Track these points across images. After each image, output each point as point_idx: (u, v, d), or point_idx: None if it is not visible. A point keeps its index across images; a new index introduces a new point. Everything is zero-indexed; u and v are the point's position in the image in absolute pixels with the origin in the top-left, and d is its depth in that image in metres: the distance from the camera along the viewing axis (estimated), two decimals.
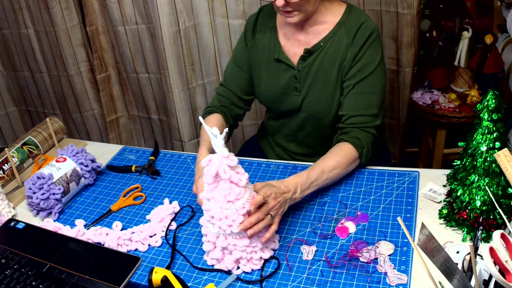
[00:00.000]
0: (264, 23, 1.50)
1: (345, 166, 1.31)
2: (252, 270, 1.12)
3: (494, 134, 1.06)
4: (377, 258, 1.10)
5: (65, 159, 1.42)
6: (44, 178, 1.34)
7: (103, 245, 1.23)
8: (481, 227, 0.98)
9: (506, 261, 0.74)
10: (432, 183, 1.31)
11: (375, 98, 1.39)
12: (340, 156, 1.31)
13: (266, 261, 1.14)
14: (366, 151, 1.35)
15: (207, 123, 1.46)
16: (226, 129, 1.08)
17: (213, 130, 1.04)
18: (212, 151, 1.31)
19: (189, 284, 1.09)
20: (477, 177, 1.09)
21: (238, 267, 1.13)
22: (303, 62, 1.43)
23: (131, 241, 1.24)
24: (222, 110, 1.54)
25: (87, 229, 1.29)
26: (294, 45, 1.45)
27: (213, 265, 1.15)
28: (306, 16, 1.36)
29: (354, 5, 1.43)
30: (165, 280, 1.03)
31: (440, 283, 0.88)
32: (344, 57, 1.39)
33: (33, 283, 1.05)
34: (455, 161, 1.17)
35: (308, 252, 1.15)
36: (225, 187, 1.06)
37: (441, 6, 2.46)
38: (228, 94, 1.57)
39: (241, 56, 1.55)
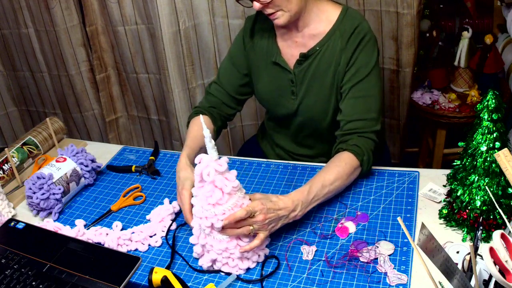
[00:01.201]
0: (262, 24, 1.49)
1: (346, 177, 1.27)
2: (230, 272, 1.12)
3: (494, 134, 1.06)
4: (377, 258, 1.10)
5: (65, 159, 1.42)
6: (44, 178, 1.34)
7: (103, 245, 1.23)
8: (481, 227, 0.98)
9: (506, 261, 0.74)
10: (432, 183, 1.31)
11: (373, 102, 1.36)
12: (340, 167, 1.26)
13: (265, 260, 1.14)
14: (367, 159, 1.31)
15: (194, 125, 1.46)
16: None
17: (205, 131, 1.05)
18: (192, 158, 1.31)
19: (189, 284, 1.09)
20: (477, 177, 1.09)
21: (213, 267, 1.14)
22: (299, 66, 1.43)
23: (131, 241, 1.24)
24: (210, 111, 1.53)
25: (87, 229, 1.29)
26: (291, 47, 1.44)
27: (196, 259, 1.16)
28: (293, 16, 1.33)
29: (350, 8, 1.41)
30: (165, 280, 1.03)
31: (440, 283, 0.88)
32: (339, 62, 1.38)
33: (33, 283, 1.05)
34: (455, 161, 1.17)
35: (308, 252, 1.15)
36: (207, 189, 1.06)
37: (441, 6, 2.46)
38: (220, 93, 1.55)
39: (238, 56, 1.53)
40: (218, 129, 1.55)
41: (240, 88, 1.56)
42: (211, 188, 1.06)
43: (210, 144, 1.05)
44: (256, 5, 1.29)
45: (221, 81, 1.56)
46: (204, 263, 1.13)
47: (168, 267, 1.15)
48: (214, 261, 1.13)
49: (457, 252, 1.08)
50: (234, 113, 1.60)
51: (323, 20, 1.39)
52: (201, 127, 1.39)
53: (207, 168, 1.05)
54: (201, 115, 1.16)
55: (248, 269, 1.13)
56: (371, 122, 1.35)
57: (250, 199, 1.12)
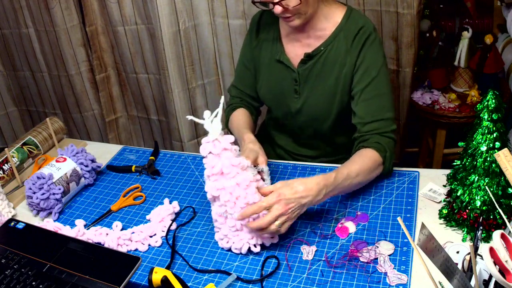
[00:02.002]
0: (267, 22, 1.51)
1: (368, 172, 1.26)
2: (229, 250, 1.18)
3: (494, 134, 1.06)
4: (377, 258, 1.10)
5: (65, 159, 1.42)
6: (44, 178, 1.34)
7: (103, 245, 1.23)
8: (481, 227, 0.98)
9: (506, 261, 0.74)
10: (432, 183, 1.31)
11: (386, 100, 1.36)
12: (364, 162, 1.26)
13: (265, 260, 1.14)
14: (389, 155, 1.31)
15: (235, 119, 1.53)
16: (221, 105, 1.15)
17: (205, 113, 1.14)
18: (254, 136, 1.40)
19: (189, 284, 1.09)
20: (477, 177, 1.09)
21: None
22: (303, 66, 1.43)
23: (131, 241, 1.24)
24: (243, 104, 1.59)
25: (87, 229, 1.29)
26: (295, 47, 1.45)
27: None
28: (307, 18, 1.35)
29: (354, 9, 1.42)
30: (165, 280, 1.03)
31: (440, 283, 0.88)
32: (344, 63, 1.38)
33: (33, 283, 1.05)
34: (455, 161, 1.17)
35: (308, 252, 1.15)
36: (204, 161, 1.15)
37: (441, 6, 2.46)
38: (240, 95, 1.61)
39: (248, 55, 1.56)
40: (255, 119, 1.60)
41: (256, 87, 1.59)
42: (206, 161, 1.15)
43: (208, 121, 1.13)
44: (278, 9, 1.29)
45: (238, 84, 1.61)
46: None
47: (168, 267, 1.15)
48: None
49: (457, 252, 1.08)
50: (259, 110, 1.66)
51: (329, 21, 1.40)
52: (243, 116, 1.48)
53: (204, 145, 1.14)
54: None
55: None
56: (388, 122, 1.35)
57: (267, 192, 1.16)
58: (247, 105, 1.60)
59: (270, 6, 1.31)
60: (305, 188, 1.13)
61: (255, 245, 1.15)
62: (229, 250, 1.18)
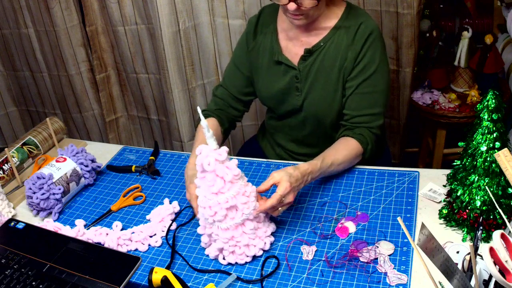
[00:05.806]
0: (265, 25, 1.51)
1: (349, 162, 1.37)
2: (236, 262, 1.14)
3: (494, 134, 1.06)
4: (377, 258, 1.10)
5: (65, 159, 1.42)
6: (44, 178, 1.34)
7: (103, 245, 1.23)
8: (481, 227, 0.98)
9: (506, 261, 0.74)
10: (432, 183, 1.31)
11: (379, 97, 1.41)
12: (348, 151, 1.36)
13: (265, 260, 1.14)
14: (370, 148, 1.39)
15: (202, 129, 1.47)
16: (201, 115, 1.12)
17: (203, 122, 1.09)
18: None
19: (189, 284, 1.09)
20: (477, 177, 1.09)
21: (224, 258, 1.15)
22: (303, 62, 1.44)
23: (131, 241, 1.24)
24: (217, 114, 1.54)
25: (87, 229, 1.29)
26: (296, 46, 1.46)
27: (200, 255, 1.18)
28: (312, 19, 1.38)
29: (354, 5, 1.44)
30: (165, 280, 1.03)
31: (440, 283, 0.88)
32: (345, 57, 1.40)
33: (33, 283, 1.05)
34: (455, 161, 1.17)
35: (308, 252, 1.15)
36: (209, 179, 1.09)
37: (441, 6, 2.46)
38: (226, 96, 1.58)
39: (241, 58, 1.55)
40: (225, 130, 1.56)
41: (245, 89, 1.58)
42: (212, 177, 1.09)
43: (208, 134, 1.09)
44: (292, 6, 1.30)
45: (226, 83, 1.59)
46: (211, 252, 1.16)
47: (168, 267, 1.15)
48: (221, 250, 1.15)
49: (457, 252, 1.08)
50: (241, 115, 1.63)
51: (328, 17, 1.42)
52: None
53: (207, 158, 1.08)
54: (201, 115, 1.15)
55: (248, 264, 1.13)
56: (376, 117, 1.42)
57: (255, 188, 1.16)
58: (226, 109, 1.57)
59: (284, 1, 1.31)
60: (300, 174, 1.21)
61: (269, 236, 1.17)
62: (253, 258, 1.15)
